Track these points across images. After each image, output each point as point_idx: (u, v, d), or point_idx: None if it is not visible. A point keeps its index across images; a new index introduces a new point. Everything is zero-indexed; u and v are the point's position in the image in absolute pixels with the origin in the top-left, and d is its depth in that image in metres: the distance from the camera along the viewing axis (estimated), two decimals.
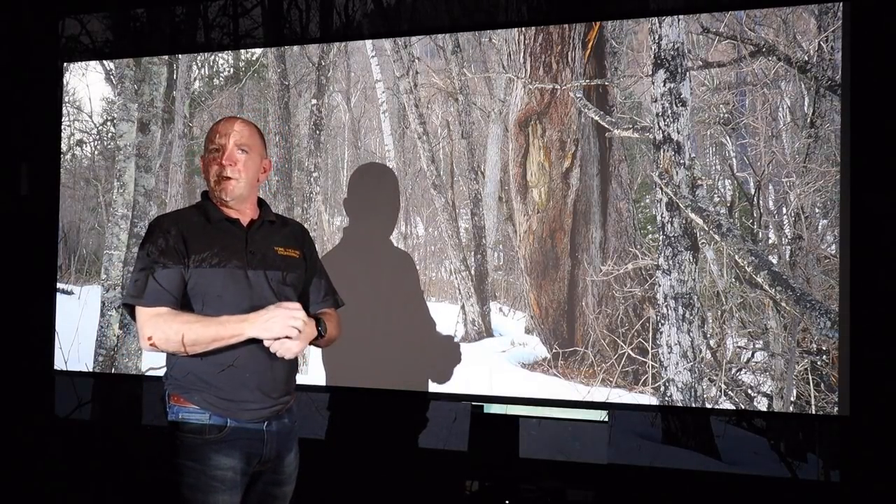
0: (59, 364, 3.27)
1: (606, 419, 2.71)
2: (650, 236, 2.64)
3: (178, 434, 1.74)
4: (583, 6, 2.93)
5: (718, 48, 2.58)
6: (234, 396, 1.72)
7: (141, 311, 1.71)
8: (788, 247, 2.51)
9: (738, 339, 2.54)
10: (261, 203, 1.89)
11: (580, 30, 2.71)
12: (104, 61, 3.40)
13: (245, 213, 1.83)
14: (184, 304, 1.73)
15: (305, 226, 2.07)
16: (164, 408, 1.80)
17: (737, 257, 2.53)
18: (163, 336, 1.68)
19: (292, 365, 1.84)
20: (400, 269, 2.83)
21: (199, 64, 3.30)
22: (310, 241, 1.98)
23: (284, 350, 1.70)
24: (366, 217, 2.84)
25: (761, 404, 2.51)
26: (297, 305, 1.71)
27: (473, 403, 2.79)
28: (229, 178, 1.77)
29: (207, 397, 1.72)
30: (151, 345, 1.69)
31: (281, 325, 1.66)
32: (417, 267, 2.86)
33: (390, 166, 2.95)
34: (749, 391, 2.52)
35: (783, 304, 2.48)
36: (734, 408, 2.54)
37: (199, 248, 1.73)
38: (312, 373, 2.81)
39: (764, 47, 2.53)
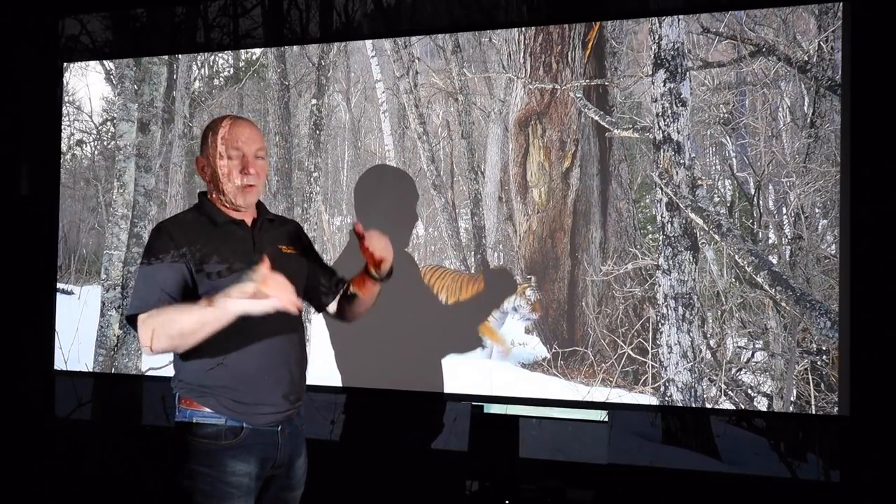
0: (59, 364, 3.27)
1: (606, 419, 2.71)
2: (650, 236, 2.64)
3: (191, 438, 1.70)
4: (583, 6, 2.93)
5: (718, 48, 2.58)
6: (251, 400, 1.70)
7: (138, 319, 1.66)
8: (788, 247, 2.51)
9: (738, 339, 2.54)
10: (257, 202, 1.87)
11: (580, 30, 2.71)
12: (104, 61, 3.40)
13: (248, 214, 1.82)
14: None
15: (305, 226, 2.07)
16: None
17: (737, 257, 2.53)
18: (150, 335, 1.61)
19: (303, 366, 1.84)
20: (404, 270, 2.82)
21: (199, 64, 3.30)
22: (305, 236, 1.97)
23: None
24: (380, 220, 2.83)
25: (761, 404, 2.51)
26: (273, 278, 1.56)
27: (473, 403, 2.79)
28: (253, 186, 1.76)
29: (223, 401, 1.69)
30: (151, 349, 1.64)
31: (283, 296, 1.56)
32: (418, 267, 2.86)
33: (390, 166, 2.95)
34: (749, 391, 2.52)
35: (783, 304, 2.48)
36: (734, 408, 2.54)
37: (207, 253, 1.71)
38: (312, 373, 2.80)
39: (764, 47, 2.53)
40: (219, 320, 1.58)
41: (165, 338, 1.61)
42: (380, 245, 1.77)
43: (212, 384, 1.69)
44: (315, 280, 1.92)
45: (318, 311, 2.00)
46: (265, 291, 1.53)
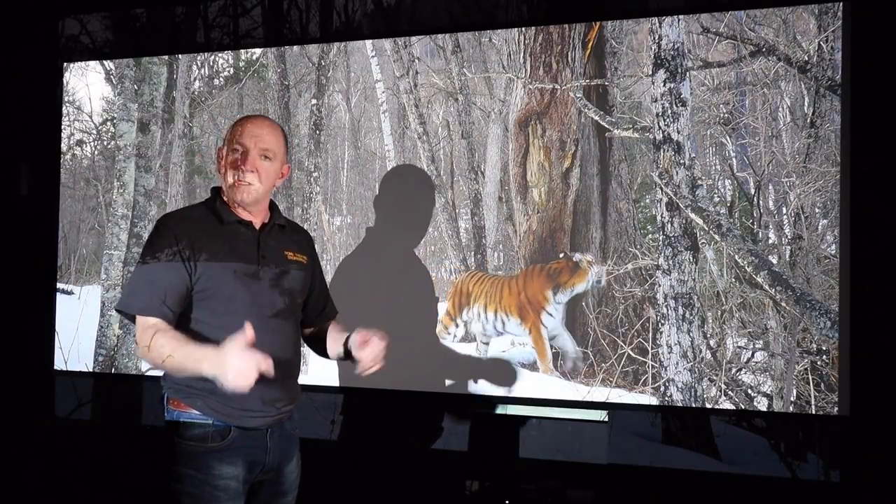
0: (59, 364, 3.27)
1: (606, 419, 2.71)
2: (650, 236, 2.64)
3: (178, 441, 1.69)
4: (583, 6, 2.92)
5: (718, 48, 2.58)
6: (237, 403, 1.68)
7: (137, 319, 1.69)
8: (788, 247, 2.51)
9: (738, 339, 2.54)
10: (272, 205, 1.85)
11: (580, 30, 2.71)
12: (104, 61, 3.40)
13: (257, 216, 1.79)
14: (191, 307, 1.70)
15: (305, 225, 2.07)
16: (162, 409, 1.79)
17: (737, 257, 2.53)
18: (148, 355, 1.66)
19: (295, 374, 1.82)
20: (416, 278, 2.80)
21: (199, 64, 3.30)
22: (314, 249, 1.97)
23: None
24: (395, 222, 2.82)
25: (761, 404, 2.51)
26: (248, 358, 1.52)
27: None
28: (248, 184, 1.72)
29: (210, 402, 1.68)
30: (144, 356, 1.69)
31: (235, 377, 1.51)
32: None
33: (390, 166, 2.95)
34: (749, 391, 2.52)
35: (783, 304, 2.48)
36: (734, 408, 2.54)
37: (210, 250, 1.69)
38: (312, 373, 2.81)
39: (764, 47, 2.53)
40: (196, 372, 1.59)
41: (150, 361, 1.68)
42: (362, 353, 1.74)
43: (199, 385, 1.66)
44: (309, 297, 1.90)
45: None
46: (223, 375, 1.51)
